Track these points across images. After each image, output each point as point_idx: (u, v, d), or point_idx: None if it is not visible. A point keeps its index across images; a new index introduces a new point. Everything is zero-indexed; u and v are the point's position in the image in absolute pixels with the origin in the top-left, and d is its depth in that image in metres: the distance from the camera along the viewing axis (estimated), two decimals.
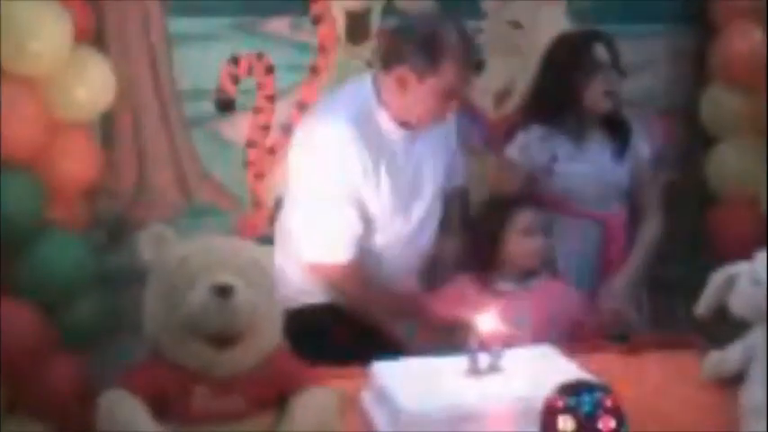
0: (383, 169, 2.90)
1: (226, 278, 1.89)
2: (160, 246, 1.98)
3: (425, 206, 3.05)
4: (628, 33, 4.00)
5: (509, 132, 3.46)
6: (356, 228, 2.89)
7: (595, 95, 3.26)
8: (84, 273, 3.43)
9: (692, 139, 4.25)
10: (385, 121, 2.93)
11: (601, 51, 3.28)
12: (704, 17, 4.11)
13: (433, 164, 3.07)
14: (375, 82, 2.96)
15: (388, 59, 2.91)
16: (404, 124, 2.94)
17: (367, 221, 2.92)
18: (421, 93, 2.86)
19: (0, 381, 3.19)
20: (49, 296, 3.33)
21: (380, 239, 2.96)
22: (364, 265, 2.93)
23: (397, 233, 2.99)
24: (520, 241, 3.04)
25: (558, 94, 3.28)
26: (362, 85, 2.98)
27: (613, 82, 3.28)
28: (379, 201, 2.92)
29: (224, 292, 1.87)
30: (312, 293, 2.96)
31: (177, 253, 1.96)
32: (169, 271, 1.93)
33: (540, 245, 3.06)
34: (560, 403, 1.86)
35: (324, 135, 2.88)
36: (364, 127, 2.88)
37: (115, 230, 3.76)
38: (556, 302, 3.02)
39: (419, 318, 2.98)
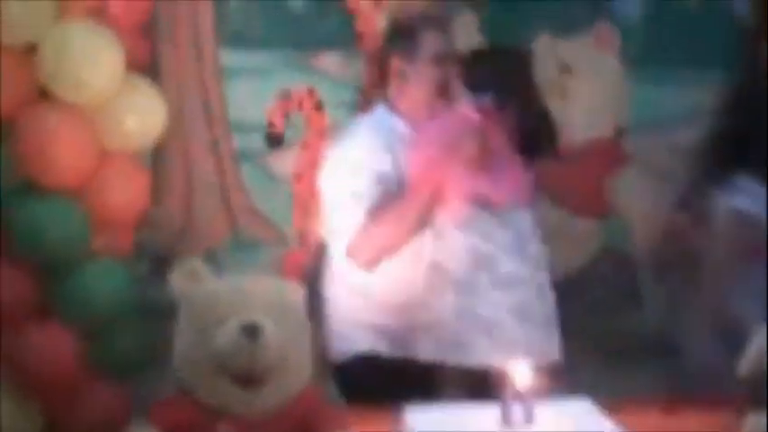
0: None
1: (254, 318, 1.88)
2: (192, 281, 1.98)
3: None
4: (684, 79, 3.99)
5: None
6: None
7: None
8: (126, 302, 3.45)
9: None
10: (401, 126, 3.00)
11: None
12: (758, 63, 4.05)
13: None
14: (389, 99, 3.07)
15: (383, 55, 3.08)
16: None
17: None
18: (415, 79, 2.98)
19: (37, 406, 3.22)
20: (90, 324, 3.35)
21: None
22: None
23: None
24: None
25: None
26: (380, 107, 3.09)
27: None
28: None
29: (252, 331, 1.86)
30: (354, 339, 2.96)
31: (208, 289, 1.96)
32: (199, 307, 1.93)
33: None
34: None
35: (354, 155, 2.93)
36: (388, 137, 2.97)
37: (159, 261, 3.78)
38: None
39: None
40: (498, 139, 2.92)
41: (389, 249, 2.85)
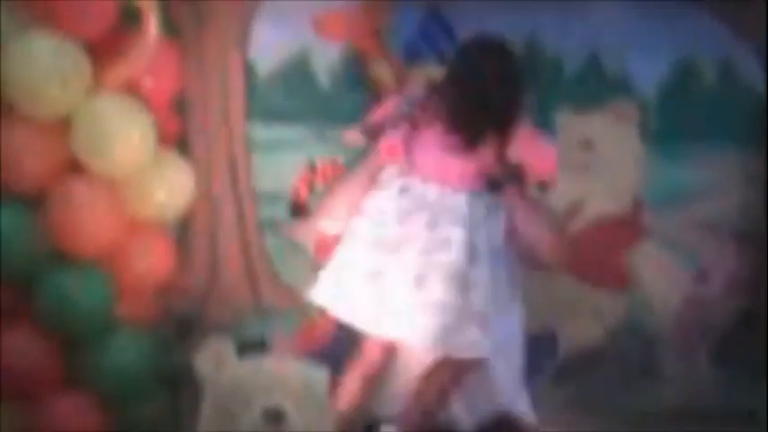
0: None
1: (278, 402, 1.92)
2: (217, 364, 2.03)
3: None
4: (702, 155, 4.04)
5: None
6: None
7: None
8: (150, 371, 3.49)
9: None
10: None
11: None
12: None
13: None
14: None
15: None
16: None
17: None
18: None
19: None
20: (114, 392, 3.40)
21: None
22: None
23: None
24: None
25: None
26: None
27: None
28: None
29: (276, 416, 1.91)
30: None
31: (232, 372, 2.00)
32: (224, 390, 1.98)
33: None
34: None
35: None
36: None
37: (184, 329, 3.83)
38: None
39: None
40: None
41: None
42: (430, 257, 3.01)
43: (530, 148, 3.12)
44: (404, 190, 3.08)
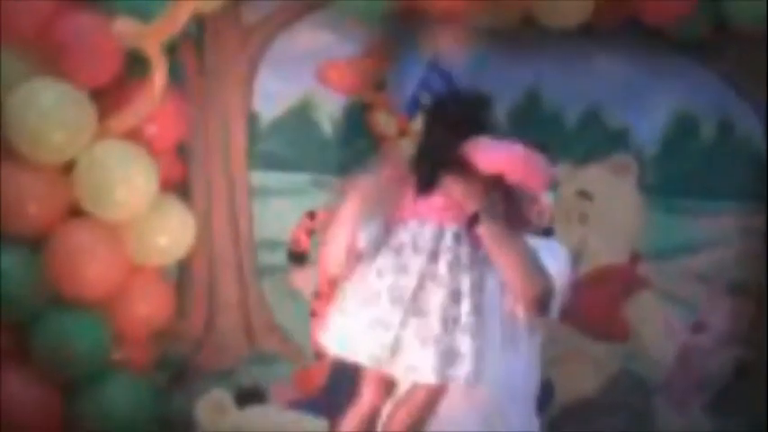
0: None
1: None
2: (217, 413, 2.03)
3: None
4: (700, 209, 4.06)
5: None
6: None
7: None
8: (145, 416, 3.48)
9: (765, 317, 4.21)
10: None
11: None
12: None
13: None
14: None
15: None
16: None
17: None
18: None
19: None
20: None
21: None
22: None
23: None
24: None
25: None
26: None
27: None
28: None
29: None
30: None
31: (232, 422, 2.01)
32: None
33: None
34: None
35: None
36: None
37: (179, 373, 3.83)
38: None
39: None
40: None
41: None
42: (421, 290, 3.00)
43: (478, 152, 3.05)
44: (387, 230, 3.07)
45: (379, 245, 3.04)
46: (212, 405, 2.06)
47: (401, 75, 4.05)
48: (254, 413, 2.07)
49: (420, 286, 2.95)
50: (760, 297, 4.18)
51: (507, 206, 2.94)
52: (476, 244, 3.03)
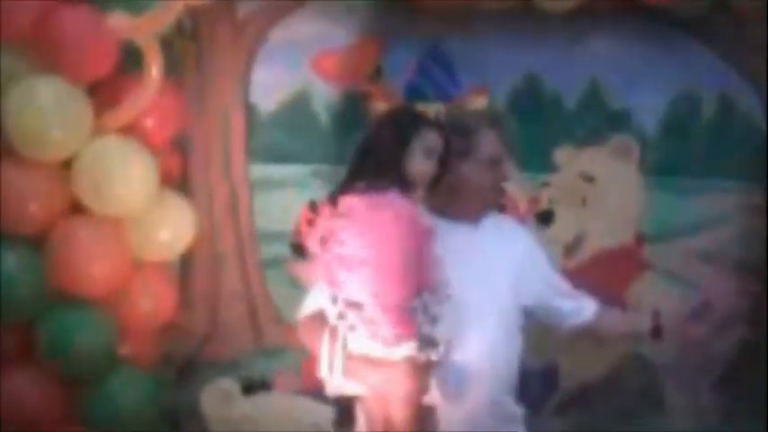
0: None
1: None
2: (224, 402, 2.02)
3: None
4: (701, 188, 4.05)
5: None
6: None
7: None
8: (151, 410, 3.48)
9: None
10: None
11: None
12: None
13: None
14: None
15: None
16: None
17: None
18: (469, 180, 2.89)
19: None
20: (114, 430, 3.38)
21: None
22: None
23: None
24: None
25: None
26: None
27: None
28: None
29: None
30: None
31: (238, 411, 2.00)
32: (230, 429, 1.96)
33: None
34: None
35: None
36: None
37: (185, 367, 3.82)
38: None
39: None
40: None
41: None
42: None
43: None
44: None
45: None
46: (219, 394, 2.04)
47: (397, 62, 4.03)
48: (260, 400, 2.05)
49: None
50: (763, 276, 4.18)
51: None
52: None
